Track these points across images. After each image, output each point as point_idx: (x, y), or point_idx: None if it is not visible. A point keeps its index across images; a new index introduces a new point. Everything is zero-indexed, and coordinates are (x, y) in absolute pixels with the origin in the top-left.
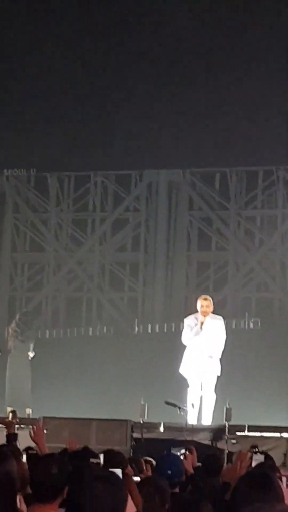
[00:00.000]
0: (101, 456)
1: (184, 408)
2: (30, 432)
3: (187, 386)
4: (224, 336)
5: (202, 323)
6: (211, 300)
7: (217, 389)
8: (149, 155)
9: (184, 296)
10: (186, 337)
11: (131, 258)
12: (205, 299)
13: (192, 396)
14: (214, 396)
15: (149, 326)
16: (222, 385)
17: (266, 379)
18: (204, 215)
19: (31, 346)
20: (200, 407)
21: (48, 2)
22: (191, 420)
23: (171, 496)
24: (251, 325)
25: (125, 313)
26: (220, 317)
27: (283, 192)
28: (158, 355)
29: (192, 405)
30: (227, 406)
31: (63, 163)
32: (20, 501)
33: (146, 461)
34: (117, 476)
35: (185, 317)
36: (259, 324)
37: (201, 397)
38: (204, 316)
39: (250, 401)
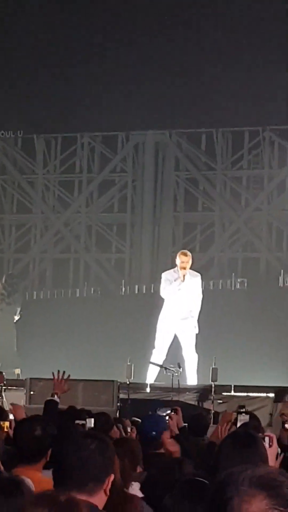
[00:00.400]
0: (92, 420)
1: (170, 368)
2: (10, 408)
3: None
4: (201, 295)
5: (184, 276)
6: (191, 256)
7: (203, 349)
8: (136, 116)
9: (171, 256)
10: (166, 291)
11: (118, 219)
12: (185, 254)
13: (156, 358)
14: (196, 355)
15: (136, 286)
16: (208, 346)
17: (253, 339)
18: (191, 175)
19: (18, 309)
20: (184, 367)
21: None
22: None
23: (155, 456)
24: (238, 285)
25: (112, 274)
26: (198, 274)
27: (269, 153)
28: (145, 315)
29: (178, 364)
30: (213, 366)
31: (50, 125)
32: None
33: (134, 422)
34: (105, 436)
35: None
36: (246, 284)
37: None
38: (183, 270)
39: (236, 361)
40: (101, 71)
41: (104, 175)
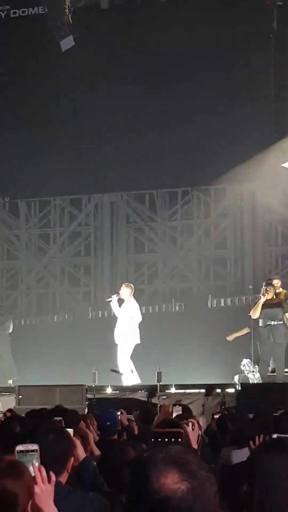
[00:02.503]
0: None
1: (122, 373)
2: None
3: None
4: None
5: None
6: (125, 286)
7: (151, 356)
8: (95, 183)
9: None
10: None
11: (84, 261)
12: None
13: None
14: (131, 361)
15: (100, 312)
16: (154, 354)
17: (189, 348)
18: (138, 226)
19: (9, 330)
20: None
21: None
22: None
23: (109, 441)
24: (177, 308)
25: (81, 303)
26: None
27: (197, 207)
28: (106, 333)
29: (132, 371)
30: (158, 370)
31: (29, 192)
32: None
33: (96, 416)
34: (65, 430)
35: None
36: (183, 307)
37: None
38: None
39: (176, 365)
40: (68, 145)
41: (72, 228)
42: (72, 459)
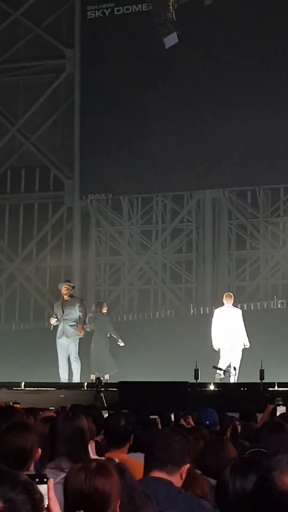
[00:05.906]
0: (172, 415)
1: (228, 370)
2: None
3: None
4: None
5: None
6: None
7: (252, 354)
8: (197, 179)
9: (227, 284)
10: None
11: (186, 258)
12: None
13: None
14: None
15: (201, 309)
16: (256, 351)
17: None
18: (240, 223)
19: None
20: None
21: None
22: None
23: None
24: (279, 305)
25: (183, 299)
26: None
27: None
28: (208, 331)
29: (234, 368)
30: (261, 368)
31: (133, 188)
32: (91, 448)
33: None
34: (182, 431)
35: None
36: (285, 304)
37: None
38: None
39: (280, 363)
40: (171, 146)
41: (174, 225)
42: (188, 466)
